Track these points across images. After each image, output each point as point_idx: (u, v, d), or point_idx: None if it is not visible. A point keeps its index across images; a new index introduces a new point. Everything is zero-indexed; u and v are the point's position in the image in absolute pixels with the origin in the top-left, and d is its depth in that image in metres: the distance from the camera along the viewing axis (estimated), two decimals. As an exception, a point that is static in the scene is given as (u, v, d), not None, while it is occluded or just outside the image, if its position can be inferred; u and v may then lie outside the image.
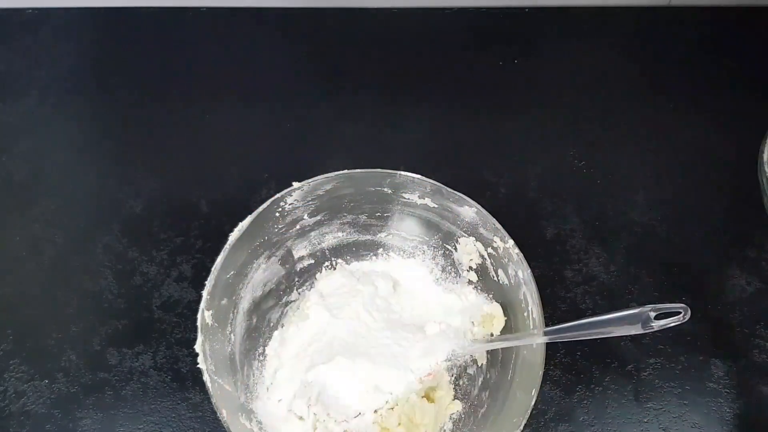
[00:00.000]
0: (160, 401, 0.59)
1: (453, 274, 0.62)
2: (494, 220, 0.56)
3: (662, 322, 0.47)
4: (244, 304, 0.57)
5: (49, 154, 0.73)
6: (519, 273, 0.55)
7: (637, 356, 0.61)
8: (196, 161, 0.72)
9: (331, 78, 0.78)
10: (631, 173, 0.71)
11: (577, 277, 0.65)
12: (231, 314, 0.56)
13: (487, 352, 0.58)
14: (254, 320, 0.58)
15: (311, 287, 0.62)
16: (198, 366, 0.50)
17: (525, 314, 0.55)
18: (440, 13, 0.83)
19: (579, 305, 0.64)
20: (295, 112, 0.75)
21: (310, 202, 0.59)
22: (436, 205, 0.59)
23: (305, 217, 0.59)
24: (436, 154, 0.72)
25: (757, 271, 0.65)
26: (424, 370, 0.55)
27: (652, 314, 0.47)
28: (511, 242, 0.55)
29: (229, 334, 0.55)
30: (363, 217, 0.61)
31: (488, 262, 0.59)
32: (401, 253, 0.63)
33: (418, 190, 0.59)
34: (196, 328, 0.51)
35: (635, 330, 0.47)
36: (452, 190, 0.57)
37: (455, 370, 0.58)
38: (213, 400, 0.49)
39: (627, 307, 0.48)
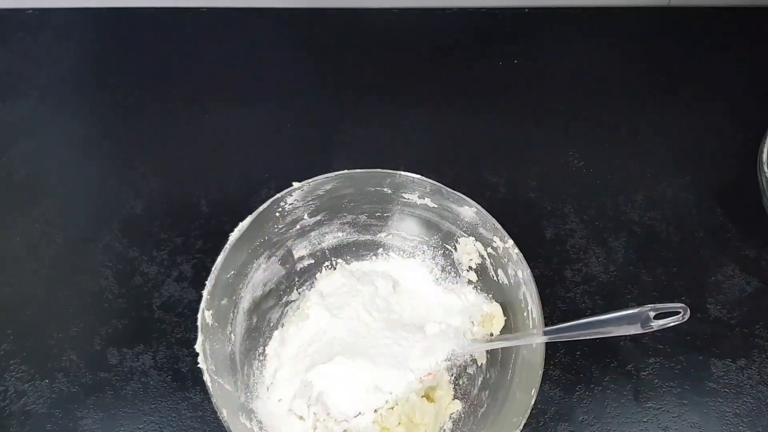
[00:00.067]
0: (160, 401, 0.59)
1: (453, 274, 0.62)
2: (494, 220, 0.56)
3: (661, 321, 0.47)
4: (245, 303, 0.57)
5: (49, 154, 0.73)
6: (519, 273, 0.55)
7: (637, 356, 0.61)
8: (196, 161, 0.72)
9: (331, 78, 0.78)
10: (631, 173, 0.71)
11: (576, 277, 0.65)
12: (231, 314, 0.56)
13: (487, 351, 0.58)
14: (254, 320, 0.58)
15: (311, 287, 0.62)
16: (198, 366, 0.50)
17: (525, 314, 0.55)
18: (440, 13, 0.83)
19: (579, 305, 0.64)
20: (295, 112, 0.76)
21: (310, 202, 0.59)
22: (435, 205, 0.59)
23: (305, 217, 0.59)
24: (436, 154, 0.72)
25: (757, 270, 0.66)
26: (424, 370, 0.55)
27: (652, 314, 0.47)
28: (510, 242, 0.56)
29: (230, 333, 0.55)
30: (363, 217, 0.61)
31: (488, 262, 0.59)
32: (401, 253, 0.63)
33: (418, 190, 0.59)
34: (196, 327, 0.51)
35: (635, 330, 0.47)
36: (452, 190, 0.57)
37: (455, 370, 0.58)
38: (213, 400, 0.49)
39: (626, 306, 0.48)
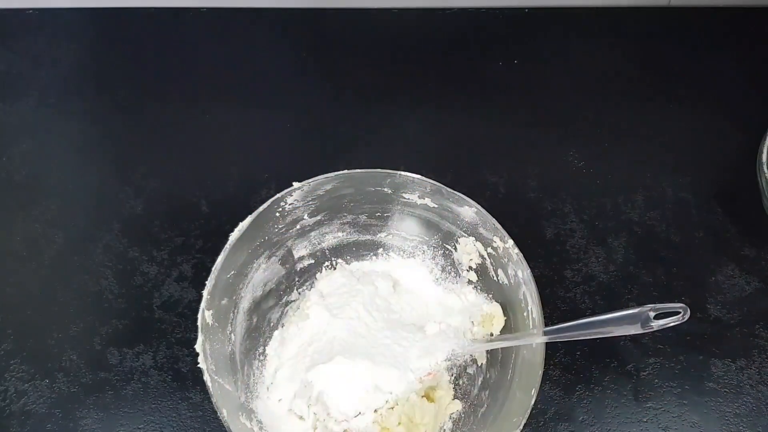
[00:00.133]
0: (160, 401, 0.59)
1: (453, 274, 0.62)
2: (494, 220, 0.56)
3: (661, 321, 0.47)
4: (245, 303, 0.57)
5: (49, 154, 0.73)
6: (519, 273, 0.55)
7: (637, 356, 0.61)
8: (196, 161, 0.72)
9: (331, 78, 0.78)
10: (631, 173, 0.72)
11: (576, 277, 0.65)
12: (231, 314, 0.56)
13: (487, 351, 0.58)
14: (254, 320, 0.58)
15: (311, 287, 0.62)
16: (198, 366, 0.50)
17: (525, 314, 0.55)
18: (440, 13, 0.83)
19: (579, 305, 0.64)
20: (295, 112, 0.76)
21: (310, 202, 0.59)
22: (436, 205, 0.59)
23: (305, 217, 0.59)
24: (436, 154, 0.72)
25: (757, 270, 0.66)
26: (424, 370, 0.55)
27: (652, 314, 0.47)
28: (510, 242, 0.56)
29: (230, 333, 0.55)
30: (363, 217, 0.61)
31: (488, 262, 0.59)
32: (401, 253, 0.63)
33: (418, 190, 0.59)
34: (196, 327, 0.51)
35: (635, 330, 0.47)
36: (452, 190, 0.57)
37: (455, 370, 0.58)
38: (213, 400, 0.49)
39: (626, 306, 0.48)
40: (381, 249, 0.63)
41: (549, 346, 0.51)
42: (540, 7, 0.83)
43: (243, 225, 0.55)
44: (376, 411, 0.54)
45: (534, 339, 0.52)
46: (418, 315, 0.59)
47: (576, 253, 0.66)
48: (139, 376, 0.60)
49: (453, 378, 0.58)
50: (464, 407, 0.56)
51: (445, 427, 0.56)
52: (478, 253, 0.59)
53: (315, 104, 0.76)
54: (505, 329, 0.58)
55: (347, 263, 0.63)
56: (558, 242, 0.67)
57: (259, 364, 0.57)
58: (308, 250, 0.62)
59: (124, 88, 0.77)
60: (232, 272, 0.55)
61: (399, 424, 0.53)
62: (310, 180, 0.57)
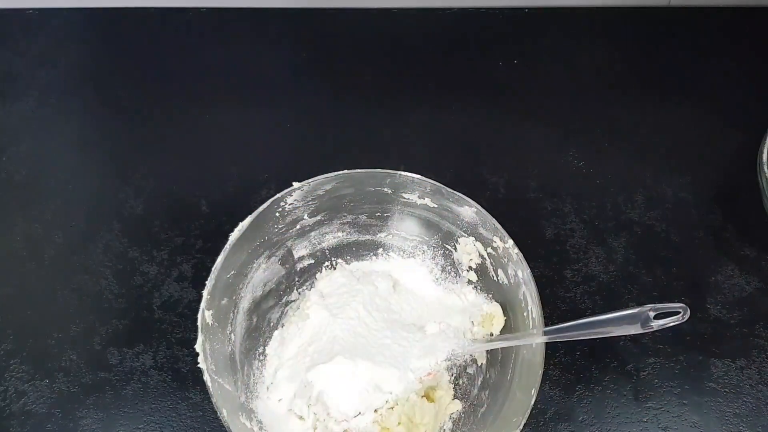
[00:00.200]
0: (160, 401, 0.59)
1: (453, 274, 0.62)
2: (494, 220, 0.56)
3: (661, 321, 0.47)
4: (245, 303, 0.57)
5: (49, 154, 0.73)
6: (518, 273, 0.55)
7: (637, 356, 0.61)
8: (196, 161, 0.72)
9: (330, 78, 0.78)
10: (631, 173, 0.71)
11: (576, 277, 0.65)
12: (231, 314, 0.56)
13: (487, 351, 0.58)
14: (254, 320, 0.58)
15: (311, 287, 0.62)
16: (198, 366, 0.50)
17: (525, 314, 0.55)
18: (440, 13, 0.83)
19: (579, 305, 0.64)
20: (295, 112, 0.76)
21: (310, 202, 0.59)
22: (435, 205, 0.59)
23: (305, 217, 0.59)
24: (436, 154, 0.72)
25: (757, 270, 0.66)
26: (424, 370, 0.55)
27: (652, 314, 0.47)
28: (510, 242, 0.56)
29: (230, 333, 0.55)
30: (363, 217, 0.61)
31: (488, 261, 0.59)
32: (401, 253, 0.63)
33: (418, 190, 0.59)
34: (196, 327, 0.51)
35: (635, 330, 0.47)
36: (452, 190, 0.57)
37: (455, 370, 0.58)
38: (213, 400, 0.49)
39: (626, 306, 0.48)
40: (381, 249, 0.63)
41: (549, 346, 0.51)
42: (540, 7, 0.83)
43: (243, 225, 0.55)
44: (376, 411, 0.54)
45: (534, 339, 0.52)
46: (418, 315, 0.59)
47: (576, 253, 0.66)
48: (139, 376, 0.60)
49: (453, 378, 0.58)
50: (464, 407, 0.56)
51: (445, 427, 0.56)
52: (478, 253, 0.59)
53: (315, 104, 0.76)
54: (505, 329, 0.58)
55: (347, 263, 0.63)
56: (558, 242, 0.67)
57: (259, 364, 0.57)
58: (308, 250, 0.62)
59: (124, 88, 0.77)
60: (232, 272, 0.55)
61: (399, 424, 0.53)
62: (310, 180, 0.57)
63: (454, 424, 0.56)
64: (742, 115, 0.75)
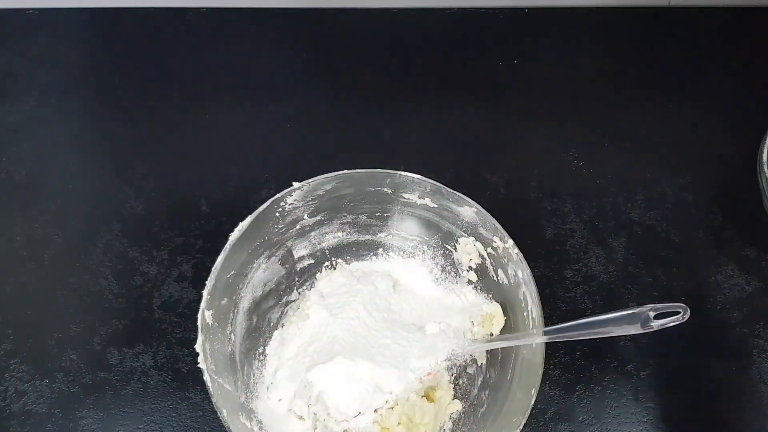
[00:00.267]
0: (160, 401, 0.59)
1: (453, 274, 0.62)
2: (494, 220, 0.56)
3: (661, 321, 0.47)
4: (245, 303, 0.57)
5: (49, 154, 0.73)
6: (519, 273, 0.55)
7: (637, 356, 0.61)
8: (196, 161, 0.72)
9: (331, 78, 0.78)
10: (631, 173, 0.71)
11: (576, 277, 0.65)
12: (231, 314, 0.56)
13: (487, 351, 0.58)
14: (254, 320, 0.58)
15: (311, 287, 0.62)
16: (198, 366, 0.50)
17: (525, 314, 0.55)
18: (440, 13, 0.83)
19: (579, 305, 0.64)
20: (295, 112, 0.76)
21: (310, 202, 0.59)
22: (435, 205, 0.59)
23: (305, 217, 0.59)
24: (436, 154, 0.72)
25: (757, 270, 0.66)
26: (424, 370, 0.55)
27: (652, 314, 0.47)
28: (510, 242, 0.56)
29: (230, 333, 0.55)
30: (363, 217, 0.61)
31: (488, 261, 0.59)
32: (401, 253, 0.63)
33: (418, 190, 0.59)
34: (196, 327, 0.51)
35: (634, 330, 0.47)
36: (452, 190, 0.57)
37: (455, 370, 0.58)
38: (213, 400, 0.49)
39: (626, 306, 0.48)
40: (381, 249, 0.63)
41: (549, 346, 0.51)
42: (540, 7, 0.83)
43: (243, 225, 0.55)
44: (376, 411, 0.54)
45: (534, 339, 0.52)
46: (418, 315, 0.59)
47: (576, 253, 0.66)
48: (139, 376, 0.60)
49: (453, 378, 0.58)
50: (464, 407, 0.56)
51: (445, 427, 0.56)
52: (478, 253, 0.59)
53: (315, 104, 0.76)
54: (505, 329, 0.58)
55: (347, 263, 0.63)
56: (558, 242, 0.67)
57: (259, 364, 0.57)
58: (308, 250, 0.62)
59: (124, 88, 0.77)
60: (232, 272, 0.55)
61: (399, 424, 0.53)
62: (310, 180, 0.57)
63: (454, 424, 0.56)
64: (742, 115, 0.75)
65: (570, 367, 0.61)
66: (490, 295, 0.59)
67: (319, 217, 0.60)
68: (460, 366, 0.58)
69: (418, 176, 0.58)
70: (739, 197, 0.69)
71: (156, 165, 0.72)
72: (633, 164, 0.72)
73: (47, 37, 0.81)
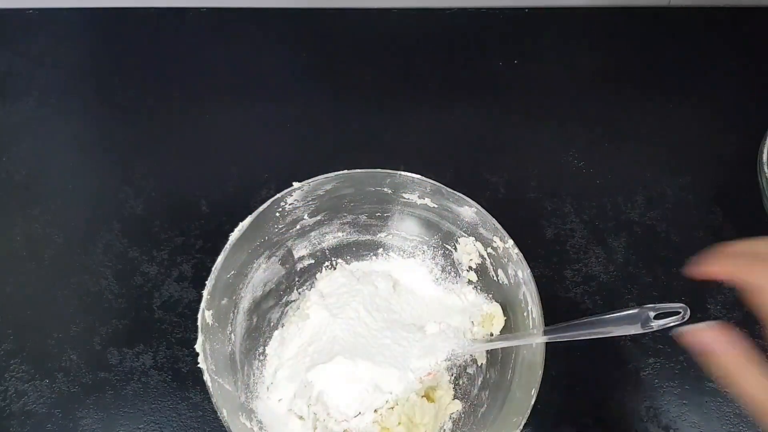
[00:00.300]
0: (160, 401, 0.59)
1: (453, 274, 0.62)
2: (494, 220, 0.56)
3: (662, 321, 0.47)
4: (245, 303, 0.57)
5: (49, 154, 0.73)
6: (519, 273, 0.55)
7: (637, 356, 0.61)
8: (196, 161, 0.72)
9: (331, 78, 0.78)
10: (631, 173, 0.72)
11: (576, 277, 0.65)
12: (231, 314, 0.56)
13: (487, 351, 0.58)
14: (254, 320, 0.58)
15: (311, 287, 0.62)
16: (198, 366, 0.50)
17: (525, 314, 0.55)
18: (440, 13, 0.83)
19: (579, 305, 0.64)
20: (295, 112, 0.76)
21: (310, 202, 0.59)
22: (435, 205, 0.59)
23: (305, 217, 0.59)
24: (436, 154, 0.72)
25: (757, 270, 0.65)
26: (424, 370, 0.55)
27: (652, 314, 0.47)
28: (510, 242, 0.56)
29: (230, 333, 0.55)
30: (363, 217, 0.61)
31: (488, 262, 0.59)
32: (401, 253, 0.63)
33: (418, 190, 0.59)
34: (196, 327, 0.51)
35: (635, 330, 0.47)
36: (452, 190, 0.57)
37: (455, 370, 0.58)
38: (213, 400, 0.49)
39: (626, 306, 0.48)
40: (381, 249, 0.63)
41: (549, 346, 0.51)
42: (540, 7, 0.83)
43: (243, 225, 0.55)
44: (376, 411, 0.54)
45: (534, 339, 0.52)
46: (418, 315, 0.59)
47: (576, 253, 0.66)
48: (139, 376, 0.60)
49: (453, 378, 0.58)
50: (464, 407, 0.56)
51: (445, 427, 0.56)
52: (478, 253, 0.59)
53: (315, 104, 0.76)
54: (505, 329, 0.58)
55: (347, 263, 0.63)
56: (558, 242, 0.67)
57: (259, 364, 0.57)
58: (308, 250, 0.62)
59: (124, 88, 0.77)
60: (232, 272, 0.55)
61: (399, 424, 0.53)
62: (310, 180, 0.57)
63: (454, 424, 0.56)
64: (742, 115, 0.75)
65: (570, 367, 0.61)
66: (490, 295, 0.59)
67: (319, 217, 0.60)
68: (460, 366, 0.58)
69: (418, 176, 0.58)
70: (739, 197, 0.69)
71: (156, 165, 0.72)
72: (633, 164, 0.72)
73: (47, 37, 0.81)
